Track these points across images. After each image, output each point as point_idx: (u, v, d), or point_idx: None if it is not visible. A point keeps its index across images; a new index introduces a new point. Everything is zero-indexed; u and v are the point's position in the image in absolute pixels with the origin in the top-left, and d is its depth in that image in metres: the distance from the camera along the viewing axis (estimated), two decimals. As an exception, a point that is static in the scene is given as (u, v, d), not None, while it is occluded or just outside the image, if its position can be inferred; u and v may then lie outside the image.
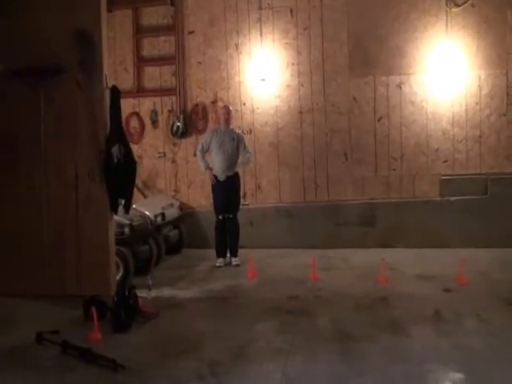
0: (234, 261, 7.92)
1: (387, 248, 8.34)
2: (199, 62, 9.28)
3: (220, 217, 7.92)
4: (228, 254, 8.03)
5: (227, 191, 7.87)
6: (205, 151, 7.96)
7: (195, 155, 8.78)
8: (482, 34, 8.51)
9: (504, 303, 5.89)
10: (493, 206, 8.40)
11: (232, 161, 7.87)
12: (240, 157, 7.97)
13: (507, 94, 8.51)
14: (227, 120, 7.94)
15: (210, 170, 7.94)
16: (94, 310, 5.32)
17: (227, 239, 7.98)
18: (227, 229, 7.93)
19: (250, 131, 9.11)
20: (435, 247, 8.27)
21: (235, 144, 7.88)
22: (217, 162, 7.87)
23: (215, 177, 7.89)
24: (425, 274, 7.11)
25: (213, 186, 7.96)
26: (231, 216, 7.92)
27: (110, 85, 6.47)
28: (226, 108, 8.07)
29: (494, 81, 8.55)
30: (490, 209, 8.41)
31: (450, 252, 7.96)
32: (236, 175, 8.00)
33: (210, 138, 7.93)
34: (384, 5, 8.71)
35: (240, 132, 8.25)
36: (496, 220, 8.35)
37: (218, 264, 7.90)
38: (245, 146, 8.02)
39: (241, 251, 8.04)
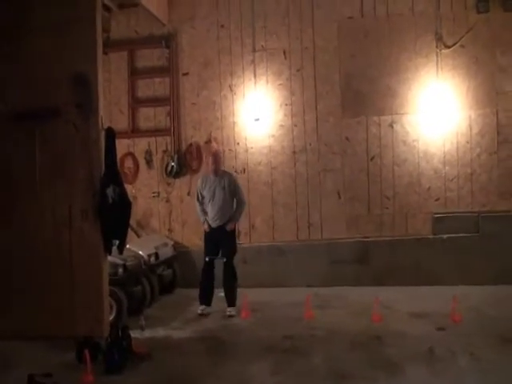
0: (229, 311, 7.39)
1: (381, 286, 8.32)
2: (193, 103, 9.43)
3: (207, 258, 7.51)
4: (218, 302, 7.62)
5: (218, 234, 7.51)
6: (201, 200, 7.63)
7: (189, 194, 8.87)
8: (472, 74, 8.70)
9: (498, 340, 5.87)
10: (485, 243, 8.44)
11: (224, 210, 7.50)
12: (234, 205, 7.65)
13: (498, 133, 8.65)
14: (215, 169, 7.55)
15: (207, 222, 7.61)
16: (86, 352, 5.28)
17: (213, 285, 7.56)
18: (223, 275, 7.51)
19: (244, 170, 9.21)
20: (428, 285, 8.26)
21: (227, 192, 7.50)
22: (209, 211, 7.56)
23: (208, 224, 7.60)
24: (418, 311, 7.10)
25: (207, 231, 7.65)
26: (225, 259, 7.48)
27: (105, 126, 6.56)
28: (214, 156, 7.70)
29: (484, 120, 8.69)
30: (482, 246, 8.45)
31: (443, 289, 7.94)
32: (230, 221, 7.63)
33: (200, 186, 7.63)
34: (375, 46, 8.92)
35: (233, 174, 7.96)
36: (488, 257, 8.37)
37: (199, 311, 7.46)
38: (238, 193, 7.63)
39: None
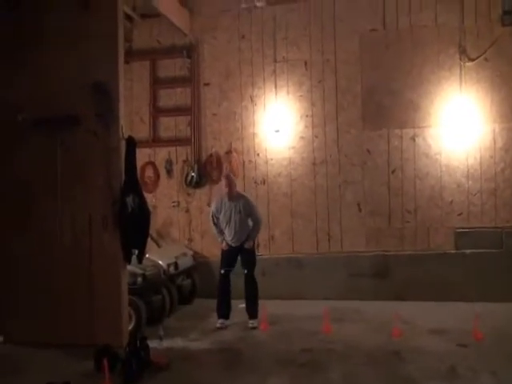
0: (251, 323, 7.34)
1: (400, 301, 8.21)
2: (214, 114, 9.46)
3: (223, 271, 7.49)
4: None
5: (237, 250, 7.50)
6: (216, 222, 7.58)
7: (209, 205, 8.86)
8: (496, 88, 8.59)
9: (521, 360, 5.76)
10: (508, 259, 8.30)
11: (242, 231, 7.46)
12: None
13: (522, 148, 8.54)
14: (229, 193, 7.44)
15: (225, 240, 7.57)
16: (105, 361, 5.27)
17: (230, 299, 7.49)
18: (245, 286, 7.45)
19: (264, 182, 9.20)
20: (450, 300, 8.14)
21: (243, 215, 7.45)
22: (226, 233, 7.52)
23: (226, 242, 7.58)
24: (439, 328, 7.00)
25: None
26: (246, 271, 7.45)
27: (126, 135, 6.60)
28: (227, 179, 7.55)
29: (509, 134, 8.58)
30: (506, 262, 8.29)
31: (465, 306, 7.83)
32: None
33: (215, 211, 7.55)
34: (397, 59, 8.86)
35: (246, 196, 7.75)
36: (511, 274, 8.22)
37: (218, 325, 7.37)
38: (254, 213, 7.56)
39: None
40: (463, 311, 7.50)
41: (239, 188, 8.93)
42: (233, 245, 7.50)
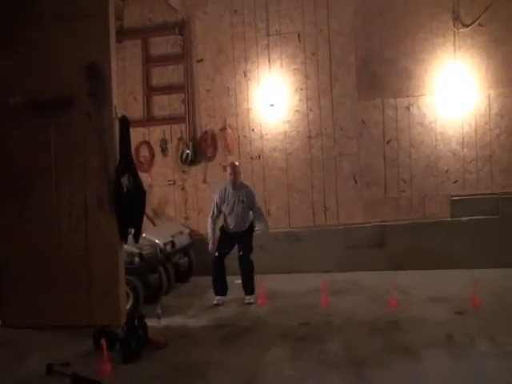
0: (247, 299, 7.39)
1: (398, 270, 8.26)
2: (208, 90, 9.40)
3: (216, 253, 7.48)
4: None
5: (235, 236, 7.51)
6: (216, 216, 7.52)
7: (204, 182, 8.87)
8: (491, 54, 8.51)
9: (518, 325, 5.79)
10: (504, 225, 8.32)
11: (243, 220, 7.49)
12: (254, 218, 7.59)
13: (518, 112, 8.47)
14: (234, 181, 7.42)
15: (214, 244, 7.51)
16: (103, 341, 5.32)
17: (225, 276, 7.53)
18: (240, 267, 7.45)
19: (259, 157, 9.19)
20: (447, 268, 8.18)
21: (245, 205, 7.44)
22: (229, 222, 7.51)
23: (224, 229, 7.57)
24: (437, 296, 7.03)
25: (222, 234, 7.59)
26: (241, 253, 7.45)
27: (119, 115, 6.57)
28: (232, 167, 7.51)
29: (504, 100, 8.52)
30: (502, 228, 8.32)
31: (462, 273, 7.87)
32: (250, 227, 7.61)
33: (219, 201, 7.48)
34: (391, 26, 8.77)
35: (250, 187, 7.73)
36: (508, 240, 8.25)
37: (215, 302, 7.40)
38: (256, 207, 7.57)
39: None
40: (461, 279, 7.53)
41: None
42: (232, 230, 7.50)
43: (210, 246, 7.52)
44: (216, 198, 7.59)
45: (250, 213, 7.57)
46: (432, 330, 5.85)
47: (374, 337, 5.79)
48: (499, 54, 8.49)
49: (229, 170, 7.57)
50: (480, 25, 8.51)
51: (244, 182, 7.75)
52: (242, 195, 7.48)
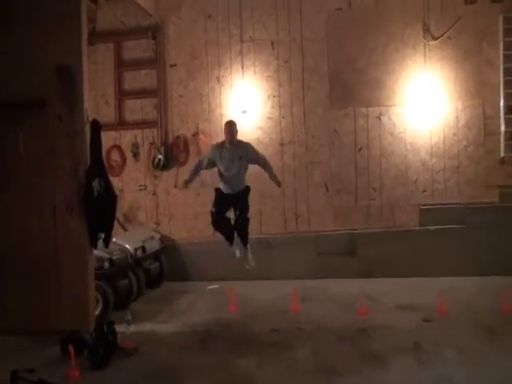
0: (248, 265, 7.18)
1: (368, 278, 8.34)
2: (181, 95, 9.37)
3: (214, 209, 7.12)
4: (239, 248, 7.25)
5: (232, 197, 7.12)
6: (201, 168, 7.21)
7: (176, 187, 8.80)
8: (460, 66, 8.69)
9: (483, 332, 5.92)
10: (471, 235, 8.48)
11: (239, 179, 7.12)
12: (265, 170, 7.25)
13: (484, 125, 8.66)
14: (231, 138, 7.04)
15: (187, 188, 7.36)
16: (71, 347, 5.25)
17: (229, 226, 7.16)
18: (236, 223, 7.14)
19: (232, 163, 9.17)
20: (415, 276, 8.28)
21: (243, 162, 7.06)
22: (223, 181, 7.13)
23: (220, 191, 7.18)
24: (405, 304, 7.13)
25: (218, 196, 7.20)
26: (238, 213, 7.11)
27: (90, 118, 6.50)
28: (229, 125, 7.15)
29: (472, 112, 8.70)
30: (468, 238, 8.48)
31: (430, 281, 7.99)
32: (245, 188, 7.22)
33: (212, 156, 7.10)
34: (363, 37, 8.88)
35: (249, 144, 7.33)
36: (474, 249, 8.42)
37: (238, 254, 7.16)
38: (261, 159, 7.22)
39: (221, 284, 7.96)
40: (428, 287, 7.64)
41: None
42: (229, 192, 7.13)
43: (179, 186, 7.34)
44: (209, 154, 7.23)
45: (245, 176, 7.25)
46: (400, 337, 5.94)
47: (344, 344, 5.86)
48: (467, 66, 8.67)
49: (225, 128, 7.15)
50: (449, 37, 8.68)
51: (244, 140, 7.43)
52: (241, 152, 7.11)
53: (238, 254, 7.20)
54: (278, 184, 7.28)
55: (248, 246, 7.24)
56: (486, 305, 6.81)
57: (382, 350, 5.56)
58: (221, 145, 7.19)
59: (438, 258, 8.45)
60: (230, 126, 7.13)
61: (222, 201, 7.17)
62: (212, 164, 7.14)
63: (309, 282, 8.31)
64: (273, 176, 7.25)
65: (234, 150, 7.05)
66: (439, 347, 5.55)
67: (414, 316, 6.62)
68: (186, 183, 7.25)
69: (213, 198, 7.24)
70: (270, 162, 7.33)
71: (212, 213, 7.16)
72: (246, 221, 7.22)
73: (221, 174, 7.13)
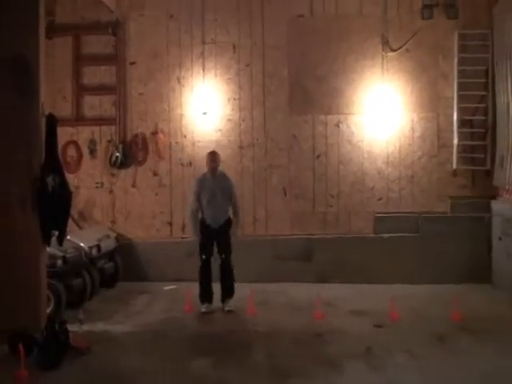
0: (228, 306, 7.28)
1: (324, 283, 8.44)
2: (141, 93, 9.26)
3: (204, 256, 7.32)
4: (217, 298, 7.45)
5: (217, 233, 7.35)
6: (195, 208, 7.35)
7: (134, 186, 8.70)
8: (416, 78, 8.93)
9: (434, 338, 6.05)
10: (424, 243, 8.72)
11: (223, 209, 7.38)
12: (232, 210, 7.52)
13: (438, 137, 8.92)
14: (214, 168, 7.36)
15: (199, 236, 7.37)
16: (21, 346, 5.09)
17: (211, 283, 7.37)
18: (221, 271, 7.37)
19: (191, 164, 9.15)
20: (369, 283, 8.43)
21: (225, 194, 7.35)
22: (208, 212, 7.31)
23: (205, 224, 7.35)
24: (358, 309, 7.24)
25: (203, 230, 7.36)
26: (223, 256, 7.35)
27: (46, 112, 6.35)
28: (212, 154, 7.48)
29: (426, 124, 8.95)
30: (421, 246, 8.72)
31: (383, 288, 8.15)
32: (228, 221, 7.45)
33: (199, 190, 7.32)
34: (324, 46, 9.01)
35: (230, 179, 7.61)
36: (426, 257, 8.67)
37: (203, 310, 7.23)
38: (235, 198, 7.51)
39: (178, 284, 7.88)
40: (381, 293, 7.78)
41: (165, 168, 8.90)
42: (214, 225, 7.30)
43: (195, 239, 7.35)
44: (194, 188, 7.42)
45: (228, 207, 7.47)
46: (353, 342, 6.02)
47: (299, 348, 5.90)
48: (423, 79, 8.93)
49: (209, 156, 7.44)
50: (407, 50, 8.92)
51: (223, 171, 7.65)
52: (223, 183, 7.39)
53: (204, 309, 7.28)
54: (235, 234, 7.46)
55: (232, 301, 7.36)
56: (437, 312, 6.98)
57: (336, 355, 5.61)
58: (203, 177, 7.44)
59: (392, 266, 8.64)
60: (214, 156, 7.44)
61: (206, 241, 7.32)
62: (198, 197, 7.31)
63: (265, 285, 8.33)
64: (236, 218, 7.48)
65: (218, 180, 7.37)
66: (390, 352, 5.63)
67: (367, 321, 6.73)
68: (197, 235, 7.34)
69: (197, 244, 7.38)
70: (239, 210, 7.61)
71: (202, 261, 7.33)
72: (231, 266, 7.40)
73: (205, 207, 7.29)
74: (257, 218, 9.11)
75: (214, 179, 7.35)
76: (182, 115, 9.19)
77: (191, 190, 7.52)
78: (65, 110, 9.16)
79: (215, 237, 7.36)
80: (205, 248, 7.34)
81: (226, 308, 7.30)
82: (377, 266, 8.64)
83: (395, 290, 7.49)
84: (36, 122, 6.22)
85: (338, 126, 9.01)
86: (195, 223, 7.36)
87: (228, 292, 7.38)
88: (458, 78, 8.76)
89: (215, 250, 7.40)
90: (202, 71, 9.19)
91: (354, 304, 7.47)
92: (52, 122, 6.34)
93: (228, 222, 7.43)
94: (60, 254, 6.95)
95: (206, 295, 7.36)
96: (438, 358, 5.47)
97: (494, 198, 8.64)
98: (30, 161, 6.19)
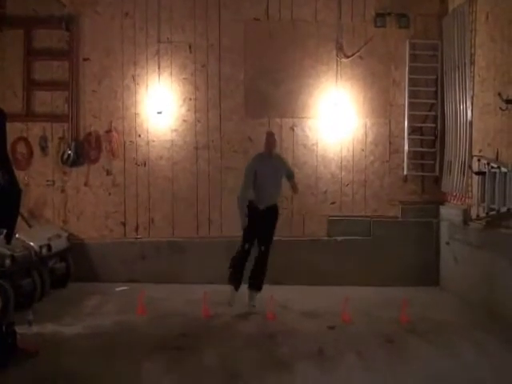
0: (253, 303, 7.36)
1: (278, 285, 8.45)
2: (94, 91, 9.10)
3: (247, 245, 7.34)
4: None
5: (264, 221, 7.36)
6: (249, 189, 7.32)
7: (86, 185, 8.55)
8: (369, 85, 9.10)
9: (383, 340, 6.19)
10: (376, 246, 8.92)
11: (277, 191, 7.51)
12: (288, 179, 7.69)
13: (390, 143, 9.12)
14: (272, 148, 7.55)
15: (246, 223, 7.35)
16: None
17: (244, 270, 7.43)
18: (257, 262, 7.41)
19: (145, 164, 9.05)
20: (323, 285, 8.54)
21: (279, 174, 7.50)
22: (261, 192, 7.31)
23: (253, 206, 7.32)
24: (311, 311, 7.34)
25: (250, 214, 7.32)
26: (263, 248, 7.38)
27: (-5, 107, 6.16)
28: (270, 135, 7.64)
29: (379, 129, 9.14)
30: (373, 249, 8.91)
31: (336, 289, 8.27)
32: (276, 206, 7.53)
33: (257, 166, 7.35)
34: (280, 50, 9.07)
35: (282, 155, 7.95)
36: (378, 260, 8.87)
37: (231, 303, 7.34)
38: (289, 168, 7.81)
39: (131, 286, 7.78)
40: (334, 295, 7.88)
41: (118, 167, 8.80)
42: (263, 206, 7.30)
43: (245, 224, 7.30)
44: (252, 164, 7.43)
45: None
46: (305, 343, 6.09)
47: (251, 349, 5.92)
48: (375, 86, 9.11)
49: (268, 137, 7.58)
50: (360, 57, 9.08)
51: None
52: (278, 163, 7.55)
53: (231, 303, 7.35)
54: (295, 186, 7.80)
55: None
56: (387, 313, 7.13)
57: (287, 356, 5.68)
58: (260, 157, 7.49)
59: (345, 268, 8.79)
60: (272, 137, 7.59)
61: (254, 224, 7.25)
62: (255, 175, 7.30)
63: (220, 286, 8.26)
64: (293, 180, 7.78)
65: (274, 161, 7.52)
66: (341, 353, 5.73)
67: (319, 323, 6.83)
68: (244, 221, 7.33)
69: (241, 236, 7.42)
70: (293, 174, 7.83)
71: (242, 248, 7.37)
72: (267, 259, 7.42)
73: (260, 186, 7.27)
74: (212, 219, 9.10)
75: (270, 159, 7.46)
76: (136, 114, 9.08)
77: (247, 170, 7.45)
78: (14, 105, 8.90)
79: (260, 223, 7.32)
80: (248, 235, 7.36)
81: (252, 304, 7.37)
82: (330, 268, 8.76)
83: (347, 292, 7.60)
84: (-16, 117, 6.04)
85: (293, 130, 9.09)
86: (244, 209, 7.33)
87: (260, 286, 7.43)
88: (409, 86, 8.99)
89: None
90: (157, 70, 9.11)
91: (307, 305, 7.57)
92: (1, 118, 6.16)
93: (275, 208, 7.49)
94: (8, 252, 6.77)
95: (236, 278, 7.42)
96: (387, 359, 5.60)
97: (442, 203, 8.91)
98: (-22, 157, 6.01)
